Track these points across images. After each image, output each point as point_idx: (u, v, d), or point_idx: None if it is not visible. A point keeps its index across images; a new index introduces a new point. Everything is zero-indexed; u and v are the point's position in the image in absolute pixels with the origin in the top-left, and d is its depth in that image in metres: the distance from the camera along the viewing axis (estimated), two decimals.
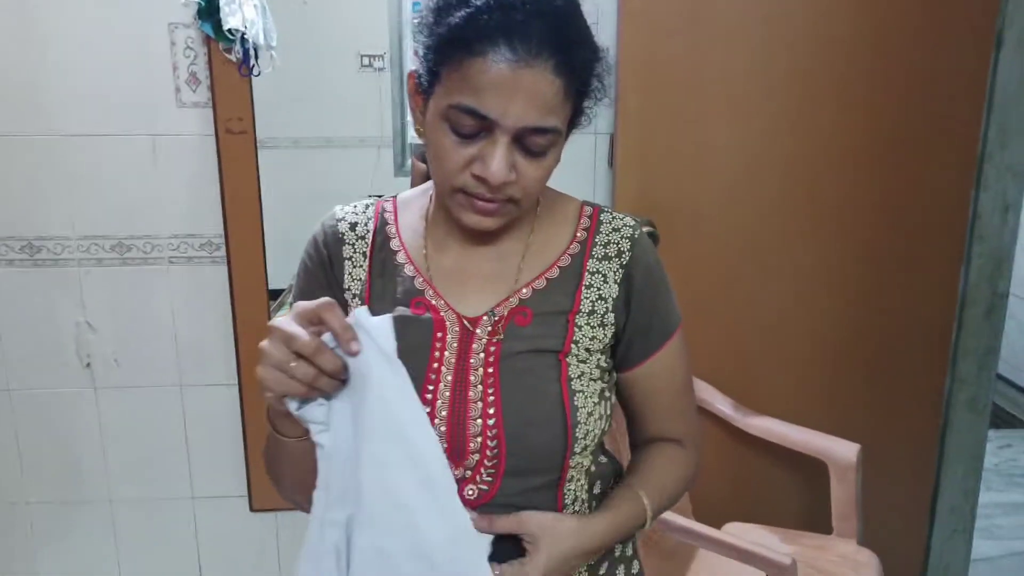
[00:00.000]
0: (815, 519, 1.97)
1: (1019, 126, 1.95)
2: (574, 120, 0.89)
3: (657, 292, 0.98)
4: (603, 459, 1.01)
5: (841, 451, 1.81)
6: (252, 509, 2.15)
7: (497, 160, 0.82)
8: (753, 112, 1.92)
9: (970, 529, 2.17)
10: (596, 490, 0.98)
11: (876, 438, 1.97)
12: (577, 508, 0.95)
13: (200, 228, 1.98)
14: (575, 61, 0.82)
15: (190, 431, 2.11)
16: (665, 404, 1.02)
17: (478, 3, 0.80)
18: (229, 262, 1.97)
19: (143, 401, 2.07)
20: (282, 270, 2.13)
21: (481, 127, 0.82)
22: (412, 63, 0.89)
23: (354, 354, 0.80)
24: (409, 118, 3.69)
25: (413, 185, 3.00)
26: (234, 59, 1.86)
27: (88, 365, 2.04)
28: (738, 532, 1.81)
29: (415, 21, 0.88)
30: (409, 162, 3.44)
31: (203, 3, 1.80)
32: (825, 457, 1.83)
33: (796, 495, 2.06)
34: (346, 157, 3.58)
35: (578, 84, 0.85)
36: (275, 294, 2.20)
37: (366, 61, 3.57)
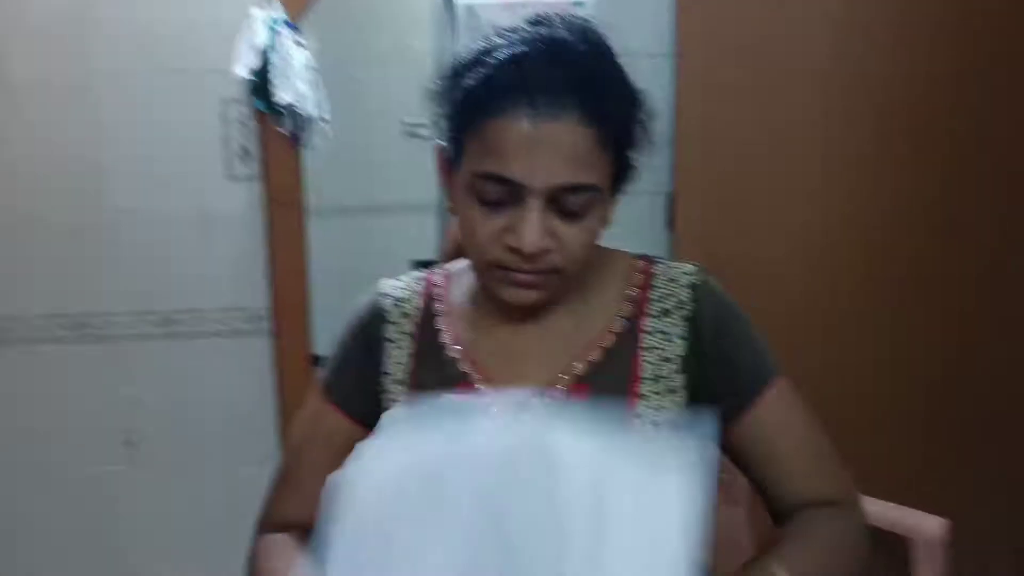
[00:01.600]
0: None
1: None
2: (621, 175, 0.82)
3: (734, 339, 0.87)
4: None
5: (928, 527, 1.66)
6: None
7: (529, 228, 0.75)
8: (822, 169, 1.85)
9: None
10: None
11: (964, 515, 1.82)
12: None
13: (247, 301, 1.96)
14: (606, 108, 0.76)
15: (235, 511, 2.03)
16: (788, 463, 0.87)
17: (491, 61, 0.75)
18: (276, 335, 1.94)
19: (186, 480, 2.02)
20: (327, 336, 2.10)
21: (509, 194, 0.76)
22: (438, 137, 0.84)
23: None
24: None
25: (443, 252, 3.00)
26: (286, 132, 1.86)
27: (128, 443, 2.00)
28: None
29: (433, 90, 0.84)
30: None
31: (256, 79, 1.81)
32: (910, 533, 1.69)
33: (880, 574, 1.91)
34: (391, 223, 3.60)
35: (615, 133, 0.78)
36: (319, 361, 2.16)
37: (410, 129, 3.63)
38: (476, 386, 0.85)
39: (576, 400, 0.83)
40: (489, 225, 0.78)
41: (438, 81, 0.82)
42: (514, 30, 0.79)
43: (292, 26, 1.85)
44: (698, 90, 1.82)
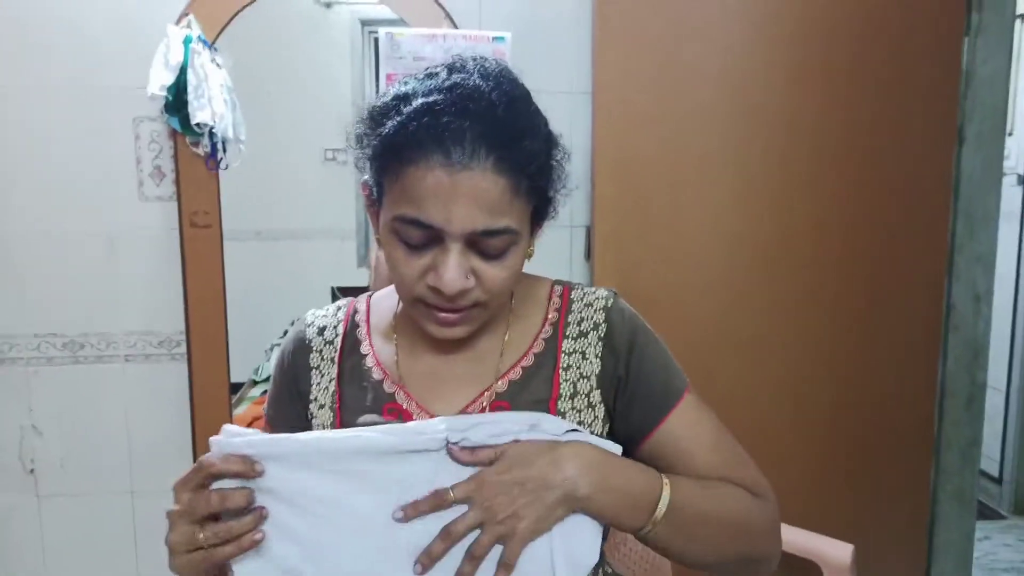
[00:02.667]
0: None
1: (984, 217, 1.99)
2: (540, 212, 0.85)
3: (649, 357, 0.90)
4: (608, 570, 0.93)
5: (835, 553, 1.73)
6: None
7: (450, 270, 0.78)
8: (730, 200, 1.92)
9: None
10: None
11: (867, 536, 1.90)
12: None
13: (160, 325, 1.90)
14: (518, 156, 0.78)
15: (141, 542, 1.96)
16: (702, 464, 0.88)
17: (406, 110, 0.77)
18: (190, 360, 1.88)
19: (91, 511, 1.93)
20: (242, 364, 2.05)
21: (430, 236, 0.78)
22: (362, 173, 0.85)
23: (259, 474, 0.74)
24: None
25: (374, 278, 2.96)
26: (201, 153, 1.82)
27: (32, 472, 1.90)
28: None
29: (354, 131, 0.86)
30: (373, 255, 3.42)
31: (171, 97, 1.76)
32: (818, 559, 1.75)
33: None
34: (309, 248, 3.55)
35: (529, 178, 0.80)
36: (235, 387, 2.10)
37: (330, 155, 3.59)
38: (402, 406, 0.88)
39: None
40: (412, 264, 0.80)
41: (358, 122, 0.84)
42: (431, 75, 0.81)
43: (209, 45, 1.82)
44: (614, 125, 1.86)
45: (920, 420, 2.01)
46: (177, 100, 1.77)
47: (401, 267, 0.81)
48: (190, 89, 1.75)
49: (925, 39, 1.89)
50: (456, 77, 0.79)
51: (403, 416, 0.87)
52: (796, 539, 1.80)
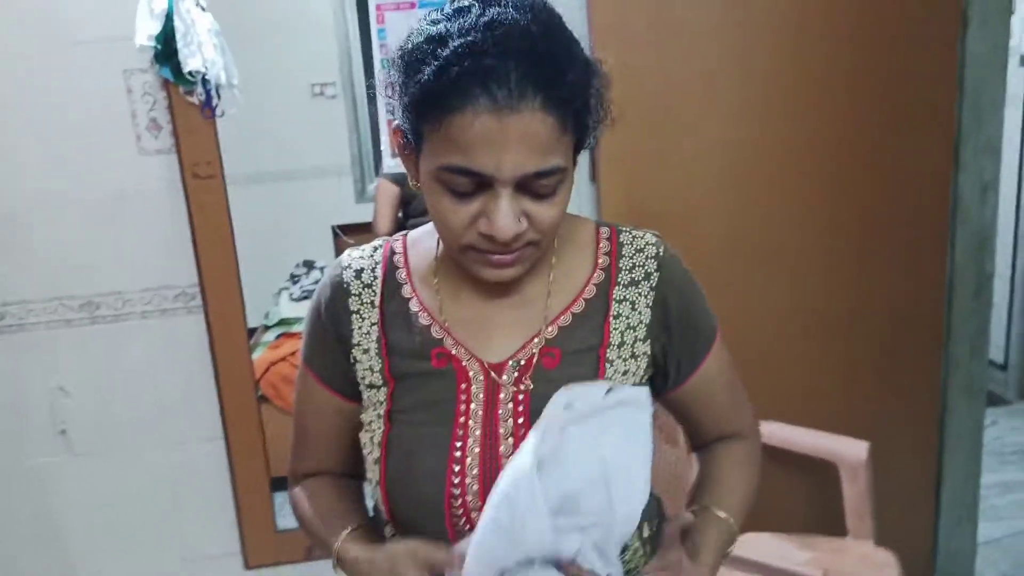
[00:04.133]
0: (826, 521, 1.95)
1: (991, 105, 1.96)
2: (581, 142, 0.83)
3: (693, 305, 0.94)
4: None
5: (851, 451, 1.79)
6: (247, 566, 2.07)
7: (503, 215, 0.76)
8: (733, 112, 1.90)
9: (975, 515, 2.16)
10: (645, 532, 0.93)
11: (880, 432, 1.95)
12: (627, 557, 0.90)
13: (173, 279, 1.90)
14: (565, 92, 0.75)
15: (177, 491, 2.02)
16: (720, 406, 0.99)
17: (444, 53, 0.73)
18: (206, 310, 1.90)
19: (125, 465, 1.98)
20: (254, 309, 2.06)
21: (478, 183, 0.76)
22: (392, 115, 0.82)
23: None
24: (365, 146, 3.65)
25: (379, 208, 2.95)
26: (196, 101, 1.79)
27: (63, 432, 1.94)
28: (754, 544, 1.78)
29: (385, 73, 0.82)
30: (372, 186, 3.40)
31: (159, 47, 1.73)
32: (835, 458, 1.81)
33: (805, 498, 2.03)
34: (306, 188, 3.53)
35: (576, 113, 0.78)
36: (250, 333, 2.12)
37: (317, 90, 3.53)
38: (452, 352, 0.88)
39: (548, 363, 0.87)
40: (461, 213, 0.78)
41: (391, 67, 0.80)
42: (462, 11, 0.77)
43: None
44: (615, 34, 1.81)
45: (929, 314, 2.03)
46: (166, 49, 1.74)
47: (449, 216, 0.79)
48: (178, 36, 1.72)
49: None
50: (492, 12, 0.75)
51: (452, 362, 0.87)
52: (812, 440, 1.85)
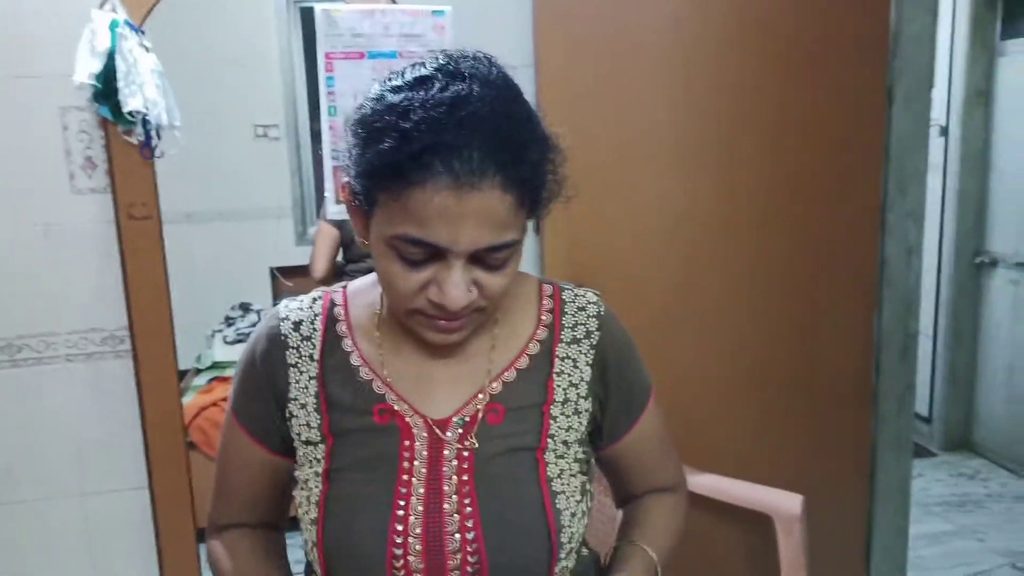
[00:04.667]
0: (762, 574, 1.96)
1: (914, 174, 2.06)
2: (534, 214, 0.83)
3: (630, 365, 0.95)
4: (584, 551, 0.96)
5: (786, 504, 1.81)
6: None
7: (454, 287, 0.77)
8: (673, 171, 1.95)
9: (903, 567, 2.21)
10: None
11: (813, 487, 1.98)
12: None
13: (101, 321, 1.83)
14: (524, 170, 0.76)
15: (95, 543, 1.92)
16: (652, 462, 1.00)
17: (406, 126, 0.73)
18: (135, 355, 1.83)
19: (41, 516, 1.88)
20: (185, 351, 2.00)
21: (431, 253, 0.76)
22: (337, 160, 0.83)
23: None
24: (308, 188, 3.63)
25: (317, 250, 2.92)
26: (135, 142, 1.75)
27: None
28: None
29: (338, 124, 0.83)
30: (313, 229, 3.37)
31: (99, 85, 1.69)
32: (770, 511, 1.83)
33: (740, 551, 2.04)
34: (245, 229, 3.48)
35: (532, 190, 0.79)
36: (180, 375, 2.06)
37: (260, 131, 3.51)
38: (393, 407, 0.86)
39: (492, 419, 0.86)
40: (411, 280, 0.78)
41: (348, 128, 0.79)
42: (423, 81, 0.76)
43: (136, 28, 1.75)
44: (558, 98, 1.85)
45: (859, 372, 2.09)
46: (106, 87, 1.70)
47: (398, 281, 0.79)
48: (119, 76, 1.68)
49: (853, 1, 1.93)
50: (455, 87, 0.75)
51: (395, 417, 0.86)
52: (749, 493, 1.88)
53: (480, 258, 0.77)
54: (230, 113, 3.31)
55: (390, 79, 0.79)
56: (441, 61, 0.79)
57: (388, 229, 0.77)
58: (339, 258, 2.92)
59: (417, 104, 0.74)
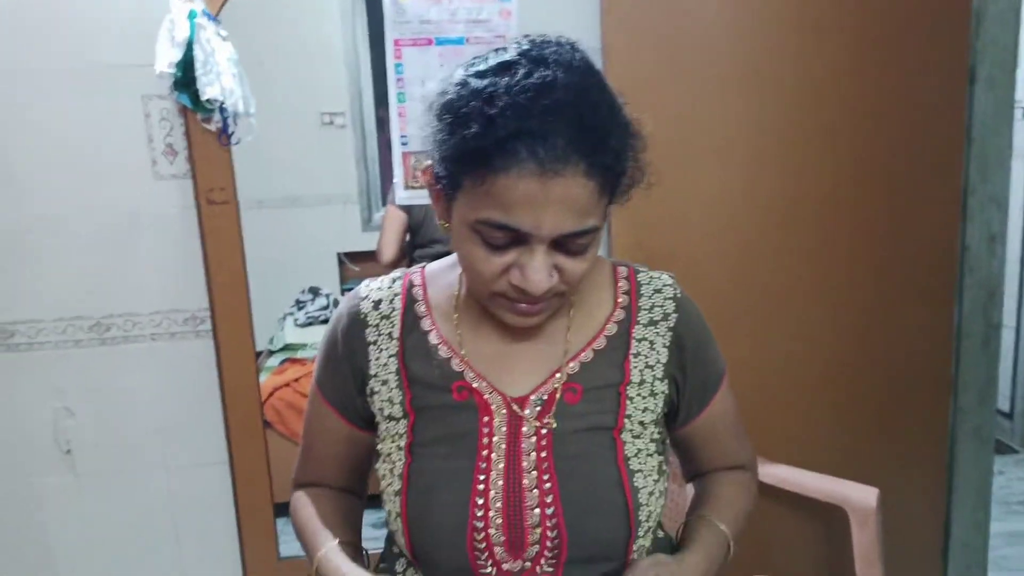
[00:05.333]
0: (835, 567, 1.93)
1: (998, 158, 1.98)
2: (614, 200, 0.84)
3: (707, 347, 0.96)
4: (660, 533, 0.96)
5: (861, 496, 1.77)
6: None
7: (537, 271, 0.78)
8: (742, 156, 1.91)
9: (984, 565, 2.14)
10: None
11: (888, 480, 1.93)
12: None
13: (183, 302, 1.91)
14: (608, 157, 0.76)
15: (179, 515, 2.00)
16: (723, 443, 1.01)
17: (492, 112, 0.73)
18: (216, 335, 1.90)
19: (128, 487, 1.97)
20: (258, 334, 2.05)
21: (514, 238, 0.77)
22: (423, 148, 0.83)
23: None
24: (373, 175, 3.68)
25: (385, 235, 2.97)
26: (213, 129, 1.81)
27: (68, 452, 1.94)
28: None
29: (427, 119, 0.82)
30: (379, 215, 3.42)
31: (179, 74, 1.75)
32: (845, 503, 1.79)
33: (813, 543, 2.01)
34: (313, 215, 3.56)
35: (615, 176, 0.79)
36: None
37: (327, 119, 3.57)
38: (472, 385, 0.88)
39: (570, 399, 0.87)
40: (493, 263, 0.79)
41: (433, 111, 0.80)
42: (508, 67, 0.76)
43: (214, 19, 1.80)
44: (624, 84, 1.83)
45: (937, 362, 2.02)
46: (185, 76, 1.76)
47: (480, 265, 0.80)
48: (198, 65, 1.74)
49: None
50: (540, 73, 0.75)
51: (474, 395, 0.88)
52: (822, 485, 1.84)
53: (562, 243, 0.78)
54: (297, 102, 3.38)
55: (473, 64, 0.80)
56: (524, 46, 0.79)
57: (472, 213, 0.77)
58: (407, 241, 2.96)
59: (502, 90, 0.74)
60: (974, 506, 2.09)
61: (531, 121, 0.72)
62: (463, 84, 0.78)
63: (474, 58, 0.81)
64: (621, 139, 0.79)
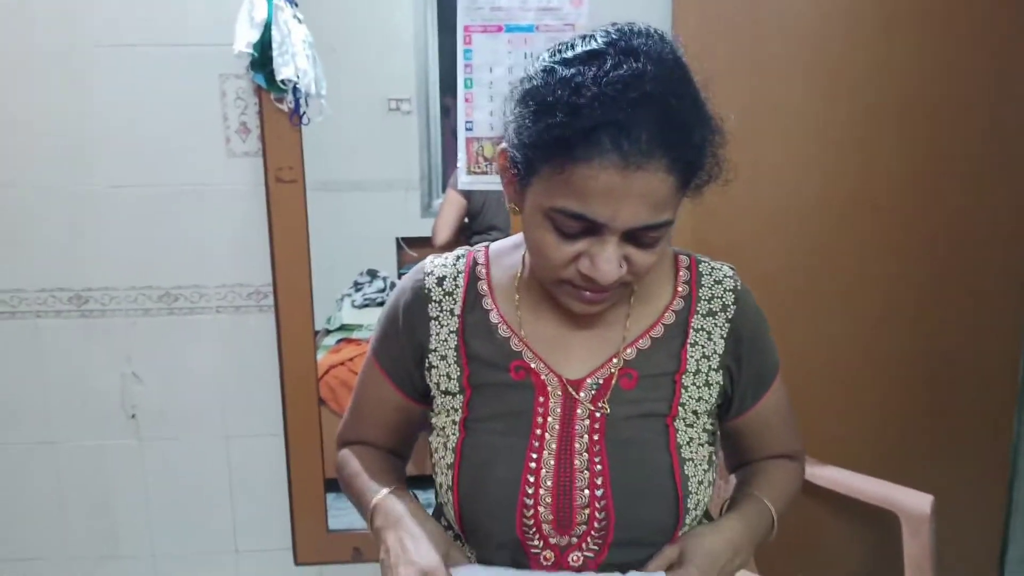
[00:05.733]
0: (884, 573, 1.90)
1: None
2: (689, 194, 0.83)
3: (763, 340, 0.95)
4: (705, 522, 0.96)
5: (914, 502, 1.74)
6: (297, 563, 2.10)
7: (607, 262, 0.78)
8: (810, 149, 1.88)
9: None
10: None
11: (944, 487, 1.89)
12: None
13: (248, 277, 1.96)
14: (691, 152, 0.76)
15: (235, 483, 2.07)
16: (773, 436, 1.00)
17: (578, 101, 0.73)
18: (277, 311, 1.95)
19: (188, 453, 2.04)
20: (317, 312, 2.10)
21: (587, 228, 0.77)
22: (498, 133, 0.84)
23: None
24: (435, 162, 3.71)
25: (443, 217, 2.99)
26: (286, 109, 1.85)
27: (133, 416, 2.01)
28: None
29: (508, 105, 0.82)
30: (438, 202, 3.46)
31: (256, 54, 1.80)
32: (897, 509, 1.76)
33: (864, 548, 1.98)
34: (374, 199, 3.60)
35: (694, 173, 0.79)
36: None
37: (393, 105, 3.62)
38: (530, 365, 0.89)
39: (625, 384, 0.88)
40: (564, 251, 0.79)
41: (517, 98, 0.80)
42: (596, 56, 0.75)
43: (291, 1, 1.84)
44: (695, 63, 1.82)
45: (1004, 366, 1.97)
46: (262, 57, 1.80)
47: (551, 251, 0.80)
48: (275, 46, 1.78)
49: None
50: (629, 65, 0.74)
51: (531, 375, 0.89)
52: (875, 489, 1.81)
53: (634, 235, 0.78)
54: (366, 87, 3.43)
55: (560, 51, 0.79)
56: (613, 36, 0.78)
57: (547, 200, 0.77)
58: (466, 225, 2.99)
59: (590, 80, 0.73)
60: None
61: (617, 113, 0.72)
62: (550, 71, 0.77)
63: (559, 44, 0.80)
64: (704, 134, 0.78)
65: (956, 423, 1.98)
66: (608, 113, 0.72)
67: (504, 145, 0.83)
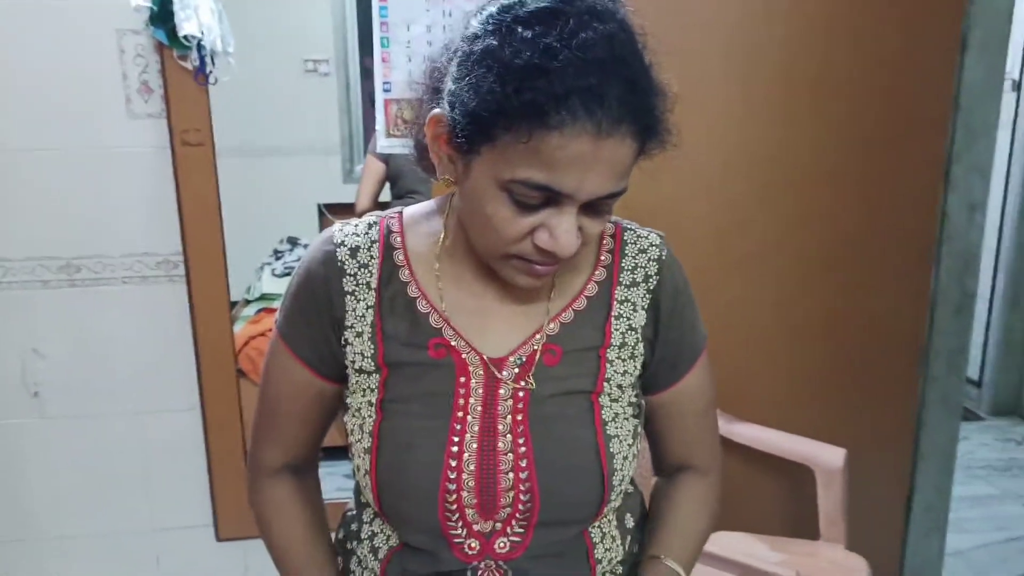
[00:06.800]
0: (799, 524, 1.96)
1: (984, 127, 1.98)
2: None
3: (684, 315, 0.91)
4: (630, 489, 0.95)
5: (828, 457, 1.80)
6: (219, 539, 2.05)
7: (567, 233, 0.74)
8: (728, 114, 1.89)
9: (944, 527, 2.18)
10: (628, 523, 0.93)
11: (855, 441, 1.96)
12: (607, 546, 0.89)
13: (156, 246, 1.87)
14: (651, 118, 0.73)
15: (149, 460, 1.99)
16: (689, 427, 0.96)
17: (551, 65, 0.67)
18: (189, 280, 1.87)
19: (98, 431, 1.95)
20: (235, 283, 2.03)
21: (547, 199, 0.73)
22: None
23: None
24: (356, 126, 3.62)
25: (363, 185, 2.93)
26: (190, 67, 1.76)
27: (36, 395, 1.91)
28: (726, 542, 1.78)
29: (449, 59, 0.76)
30: (360, 168, 3.38)
31: (155, 8, 1.70)
32: (812, 463, 1.82)
33: (779, 501, 2.04)
34: (293, 164, 3.51)
35: (652, 136, 0.76)
36: (230, 306, 2.10)
37: (311, 66, 3.50)
38: (450, 342, 0.84)
39: (549, 360, 0.84)
40: (521, 224, 0.75)
41: (469, 53, 0.73)
42: (557, 17, 0.69)
43: None
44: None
45: (910, 328, 2.04)
46: (162, 11, 1.71)
47: (504, 226, 0.75)
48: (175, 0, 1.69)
49: None
50: (599, 26, 0.69)
51: (451, 353, 0.84)
52: (790, 445, 1.87)
53: (591, 204, 0.75)
54: (280, 47, 3.31)
55: (511, 8, 0.72)
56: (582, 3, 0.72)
57: (506, 171, 0.72)
58: (387, 191, 2.93)
59: (557, 42, 0.68)
60: (938, 470, 2.13)
61: (590, 77, 0.67)
62: (509, 31, 0.70)
63: (503, 2, 0.74)
64: (661, 99, 0.75)
65: (866, 380, 2.04)
66: (581, 78, 0.67)
67: (439, 111, 0.76)
